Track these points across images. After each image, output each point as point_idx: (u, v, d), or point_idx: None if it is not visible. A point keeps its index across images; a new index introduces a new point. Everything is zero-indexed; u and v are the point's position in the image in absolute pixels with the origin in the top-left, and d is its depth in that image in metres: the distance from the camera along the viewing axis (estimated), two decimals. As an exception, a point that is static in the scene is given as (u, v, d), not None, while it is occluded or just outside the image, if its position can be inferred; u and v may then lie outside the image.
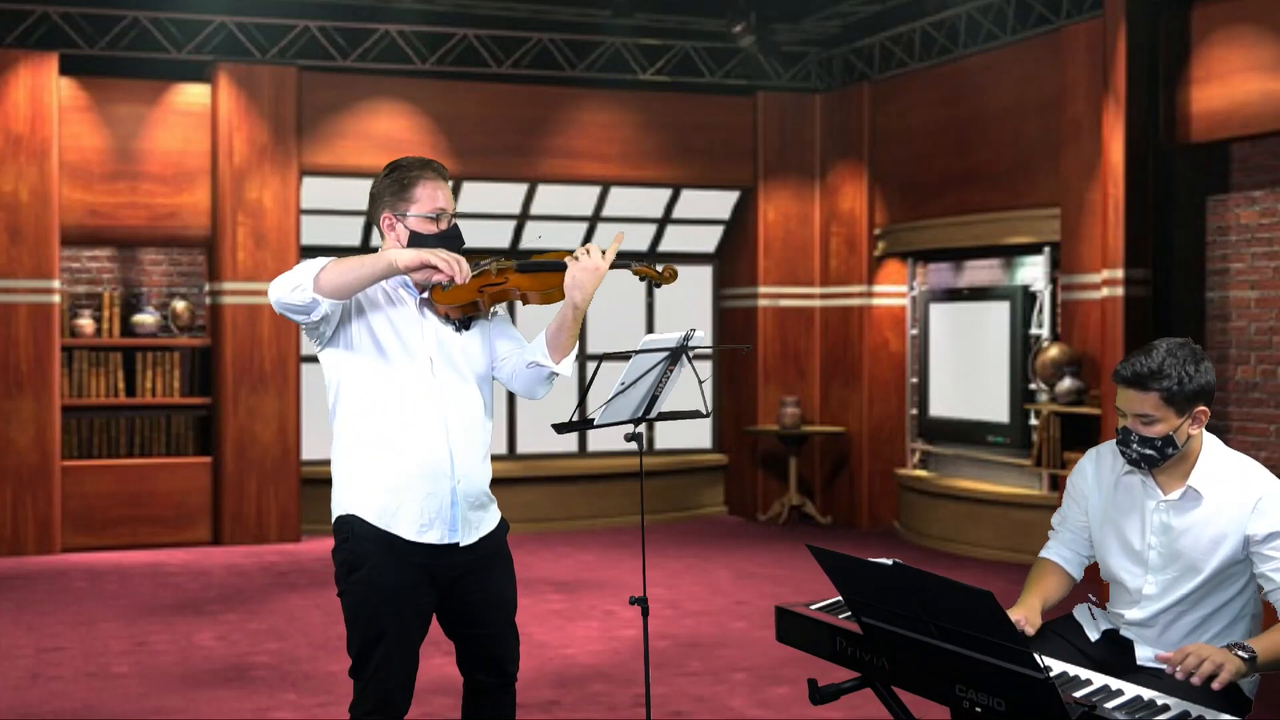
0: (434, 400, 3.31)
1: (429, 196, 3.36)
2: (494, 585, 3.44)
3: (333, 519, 3.38)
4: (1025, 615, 3.24)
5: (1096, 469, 3.36)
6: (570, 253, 3.32)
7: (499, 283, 3.33)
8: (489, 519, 3.45)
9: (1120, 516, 3.27)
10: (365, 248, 9.99)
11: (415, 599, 3.31)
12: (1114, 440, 3.25)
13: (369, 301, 3.32)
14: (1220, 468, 3.16)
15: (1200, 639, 3.17)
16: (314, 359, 9.57)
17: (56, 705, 5.30)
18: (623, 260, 3.33)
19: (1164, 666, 2.90)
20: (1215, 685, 2.84)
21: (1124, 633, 3.29)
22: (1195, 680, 2.83)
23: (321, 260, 3.21)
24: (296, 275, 3.19)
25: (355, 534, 3.30)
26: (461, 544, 3.35)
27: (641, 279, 3.42)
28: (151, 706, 5.30)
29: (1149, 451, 3.12)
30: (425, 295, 3.33)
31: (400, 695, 3.33)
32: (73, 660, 6.01)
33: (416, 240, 3.34)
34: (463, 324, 3.39)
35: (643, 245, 10.68)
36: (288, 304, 3.20)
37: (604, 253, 3.28)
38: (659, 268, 3.41)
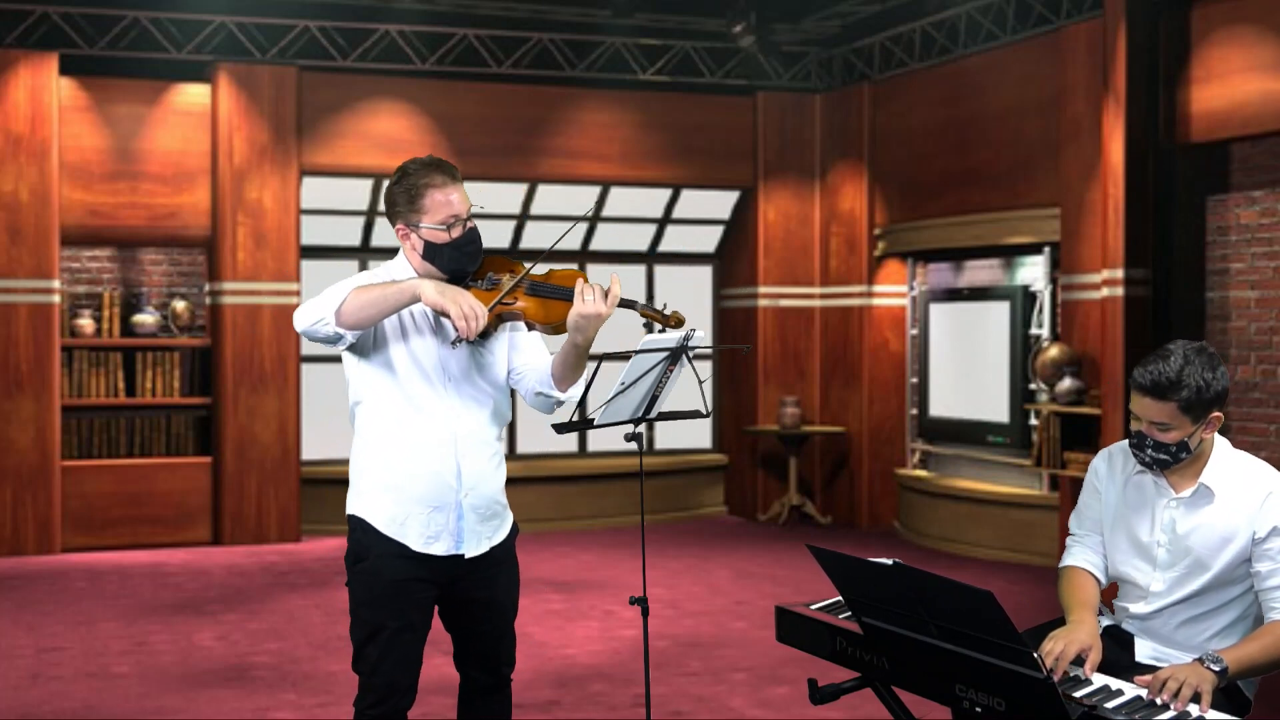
0: (442, 410, 3.31)
1: (439, 205, 3.29)
2: (497, 589, 3.44)
3: (347, 513, 3.41)
4: (1089, 640, 3.05)
5: (1109, 467, 3.37)
6: (582, 272, 3.28)
7: (509, 304, 3.29)
8: (501, 529, 3.45)
9: (1131, 514, 3.28)
10: (365, 248, 9.99)
11: (415, 593, 3.32)
12: (1125, 441, 3.24)
13: None
14: (1231, 467, 3.18)
15: (1202, 635, 3.18)
16: (314, 359, 9.58)
17: (56, 705, 5.30)
18: (629, 302, 3.26)
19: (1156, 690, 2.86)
20: (1203, 707, 2.79)
21: (1126, 626, 3.30)
22: (1177, 705, 2.79)
23: (344, 288, 3.18)
24: (321, 307, 3.17)
25: (364, 529, 3.33)
26: (467, 556, 3.35)
27: (647, 322, 3.33)
28: (151, 706, 5.30)
29: (1163, 456, 3.14)
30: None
31: (401, 690, 3.32)
32: (73, 660, 6.01)
33: (431, 250, 3.30)
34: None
35: (643, 245, 10.68)
36: (312, 335, 3.20)
37: (606, 295, 3.18)
38: (666, 312, 3.33)
